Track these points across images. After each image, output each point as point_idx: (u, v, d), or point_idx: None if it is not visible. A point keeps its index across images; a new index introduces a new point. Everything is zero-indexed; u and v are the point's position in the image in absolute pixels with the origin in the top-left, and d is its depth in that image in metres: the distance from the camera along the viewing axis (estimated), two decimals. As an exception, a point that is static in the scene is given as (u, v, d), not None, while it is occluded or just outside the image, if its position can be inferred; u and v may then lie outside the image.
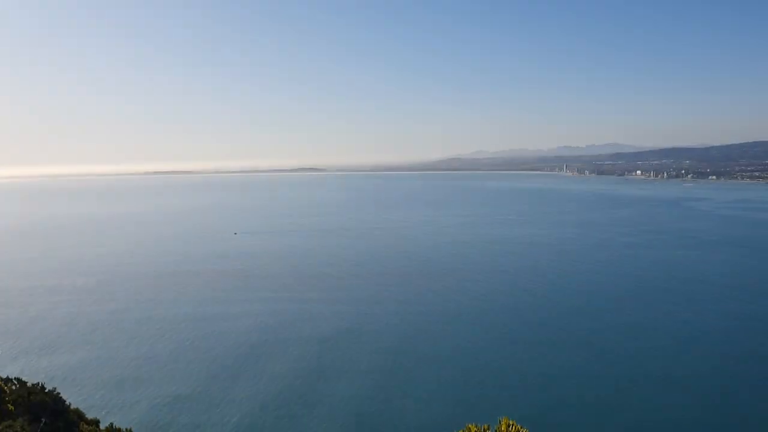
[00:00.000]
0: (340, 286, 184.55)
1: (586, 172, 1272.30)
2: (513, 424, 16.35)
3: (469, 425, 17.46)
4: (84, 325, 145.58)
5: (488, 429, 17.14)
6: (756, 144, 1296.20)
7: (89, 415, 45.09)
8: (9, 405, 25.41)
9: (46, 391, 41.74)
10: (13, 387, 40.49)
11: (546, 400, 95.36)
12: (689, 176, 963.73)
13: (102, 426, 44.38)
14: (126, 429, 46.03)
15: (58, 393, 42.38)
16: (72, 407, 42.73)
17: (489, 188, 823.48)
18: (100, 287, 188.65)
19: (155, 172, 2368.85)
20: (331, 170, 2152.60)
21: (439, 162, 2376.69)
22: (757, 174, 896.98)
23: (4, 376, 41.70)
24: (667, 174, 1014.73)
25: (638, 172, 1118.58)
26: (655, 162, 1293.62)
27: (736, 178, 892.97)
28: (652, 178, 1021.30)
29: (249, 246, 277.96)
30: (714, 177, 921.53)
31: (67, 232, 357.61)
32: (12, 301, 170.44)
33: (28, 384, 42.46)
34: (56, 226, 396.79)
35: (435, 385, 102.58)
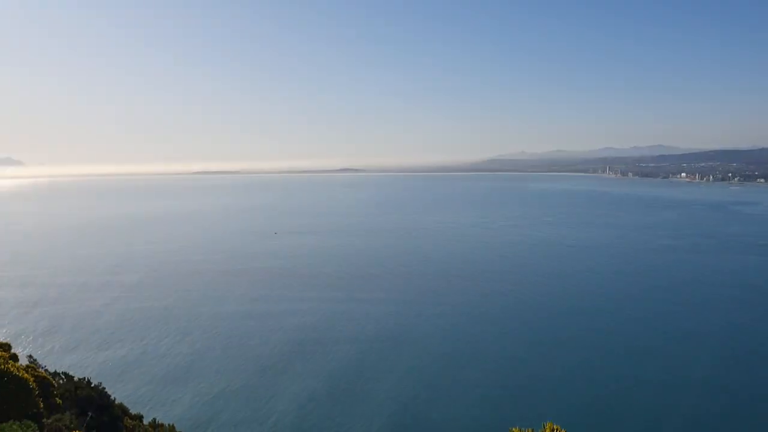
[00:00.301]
0: (387, 287, 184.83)
1: (630, 174, 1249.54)
2: (558, 429, 16.04)
3: (513, 429, 17.25)
4: (134, 321, 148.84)
5: (532, 433, 16.89)
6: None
7: (133, 411, 45.98)
8: (57, 399, 26.02)
9: (92, 385, 42.70)
10: (61, 381, 41.51)
11: (594, 405, 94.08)
12: (736, 179, 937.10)
13: (145, 421, 45.22)
14: (168, 424, 46.83)
15: (104, 388, 43.29)
16: (116, 402, 43.64)
17: (531, 190, 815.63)
18: (150, 284, 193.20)
19: (202, 172, 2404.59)
20: (372, 171, 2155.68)
21: (481, 163, 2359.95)
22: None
23: (52, 371, 42.78)
24: (712, 177, 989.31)
25: (683, 174, 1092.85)
26: (701, 164, 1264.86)
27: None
28: (697, 180, 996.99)
29: (293, 245, 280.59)
30: (762, 180, 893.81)
31: (121, 230, 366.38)
32: (68, 297, 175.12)
33: (75, 378, 43.50)
34: (108, 224, 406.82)
35: (478, 388, 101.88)
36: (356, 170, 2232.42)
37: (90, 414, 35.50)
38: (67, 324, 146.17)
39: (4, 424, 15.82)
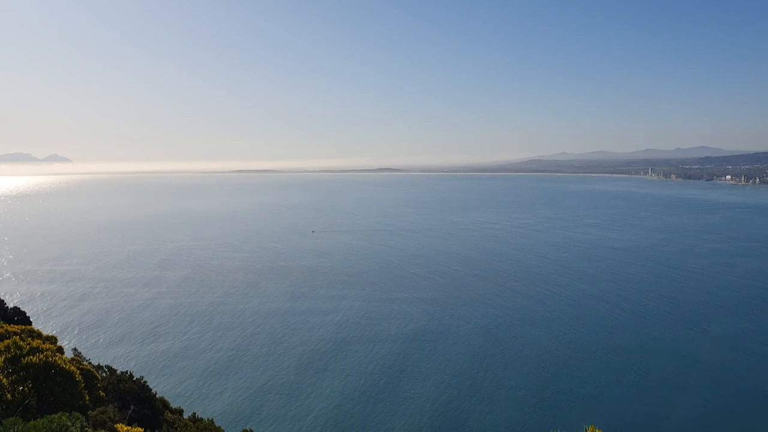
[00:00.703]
0: (429, 286, 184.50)
1: (673, 176, 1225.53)
2: (598, 434, 15.88)
3: (552, 433, 17.18)
4: (178, 316, 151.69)
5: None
6: None
7: (174, 405, 46.83)
8: (100, 391, 26.68)
9: (134, 379, 43.62)
10: (104, 374, 42.49)
11: (637, 411, 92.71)
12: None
13: (185, 415, 46.02)
14: (208, 419, 47.58)
15: (146, 381, 44.16)
16: (158, 396, 44.49)
17: (572, 191, 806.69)
18: (195, 280, 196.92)
19: (239, 171, 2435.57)
20: (410, 171, 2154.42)
21: (521, 163, 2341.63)
22: None
23: (96, 364, 43.82)
24: (759, 179, 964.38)
25: (728, 177, 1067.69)
26: (747, 166, 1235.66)
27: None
28: (742, 183, 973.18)
29: (332, 244, 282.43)
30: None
31: (164, 226, 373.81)
32: (115, 292, 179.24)
33: (118, 372, 44.48)
34: (155, 220, 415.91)
35: (518, 390, 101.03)
36: (392, 170, 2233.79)
37: (132, 407, 36.29)
38: (112, 318, 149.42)
39: (53, 416, 16.29)
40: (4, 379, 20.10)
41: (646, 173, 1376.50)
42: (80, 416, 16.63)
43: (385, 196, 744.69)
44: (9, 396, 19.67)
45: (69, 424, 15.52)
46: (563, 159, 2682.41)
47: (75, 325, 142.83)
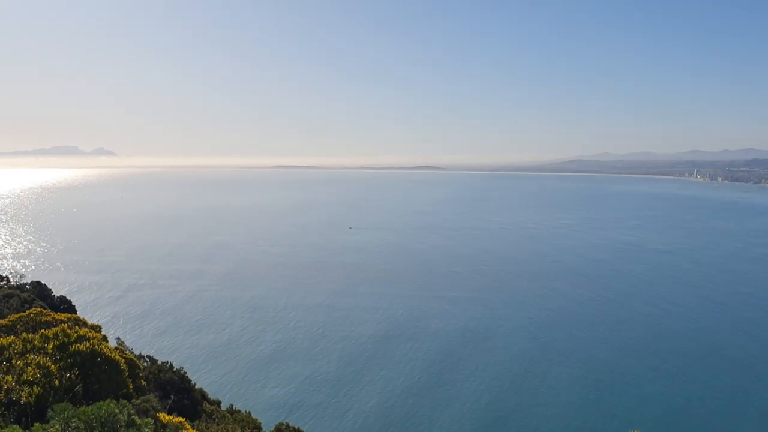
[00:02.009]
0: (470, 286, 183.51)
1: (719, 178, 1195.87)
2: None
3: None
4: (220, 309, 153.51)
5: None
6: None
7: (212, 396, 47.65)
8: (142, 381, 27.32)
9: (174, 369, 44.46)
10: (145, 364, 43.40)
11: (684, 419, 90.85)
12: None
13: (223, 407, 46.76)
14: (245, 411, 48.25)
15: (185, 372, 45.00)
16: (197, 387, 45.28)
17: (614, 192, 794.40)
18: (238, 274, 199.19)
19: (280, 166, 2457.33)
20: (451, 169, 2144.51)
21: (562, 163, 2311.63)
22: None
23: (137, 353, 44.80)
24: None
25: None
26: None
27: None
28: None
29: (371, 241, 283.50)
30: None
31: (206, 220, 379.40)
32: (160, 284, 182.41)
33: (159, 362, 45.40)
34: (197, 214, 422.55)
35: (560, 394, 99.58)
36: (433, 168, 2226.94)
37: (172, 397, 37.01)
38: (155, 310, 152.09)
39: (101, 403, 16.77)
40: (53, 366, 20.73)
41: (690, 175, 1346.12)
42: (127, 404, 17.06)
43: (425, 194, 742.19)
44: (57, 382, 20.28)
45: (117, 411, 15.97)
46: (605, 159, 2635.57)
47: (120, 316, 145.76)
